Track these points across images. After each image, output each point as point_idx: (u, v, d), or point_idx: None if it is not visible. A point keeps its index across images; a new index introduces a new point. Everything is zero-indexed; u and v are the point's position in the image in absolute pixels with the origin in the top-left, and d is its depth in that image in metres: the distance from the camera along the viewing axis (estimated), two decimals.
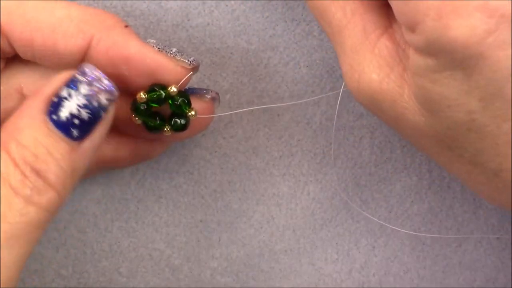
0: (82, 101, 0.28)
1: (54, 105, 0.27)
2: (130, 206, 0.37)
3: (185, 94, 0.31)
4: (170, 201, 0.37)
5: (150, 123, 0.31)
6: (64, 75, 0.28)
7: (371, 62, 0.27)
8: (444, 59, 0.25)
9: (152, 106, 0.31)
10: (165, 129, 0.32)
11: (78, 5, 0.31)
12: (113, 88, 0.28)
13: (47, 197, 0.27)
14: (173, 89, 0.30)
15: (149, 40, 0.31)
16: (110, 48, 0.30)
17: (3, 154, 0.27)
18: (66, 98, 0.27)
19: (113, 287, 0.37)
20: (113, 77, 0.30)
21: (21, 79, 0.32)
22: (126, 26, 0.31)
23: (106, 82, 0.28)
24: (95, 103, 0.28)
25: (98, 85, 0.28)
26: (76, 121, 0.27)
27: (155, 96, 0.31)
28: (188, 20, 0.35)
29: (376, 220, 0.37)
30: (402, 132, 0.29)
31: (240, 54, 0.36)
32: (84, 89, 0.28)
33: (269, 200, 0.37)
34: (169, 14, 0.35)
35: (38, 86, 0.31)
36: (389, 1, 0.26)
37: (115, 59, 0.30)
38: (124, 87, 0.30)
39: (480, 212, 0.38)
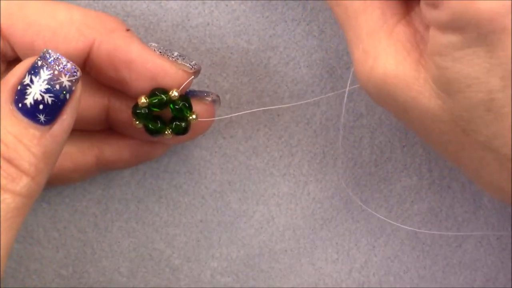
0: (44, 86, 0.27)
1: (19, 93, 0.27)
2: (130, 206, 0.37)
3: (186, 98, 0.31)
4: (170, 201, 0.37)
5: (151, 126, 0.31)
6: (26, 62, 0.28)
7: (388, 46, 0.27)
8: (469, 34, 0.24)
9: (153, 110, 0.31)
10: (166, 132, 0.32)
11: (79, 8, 0.31)
12: (74, 68, 0.28)
13: (22, 183, 0.27)
14: (174, 93, 0.30)
15: (151, 43, 0.31)
16: (112, 51, 0.30)
17: None
18: (28, 85, 0.27)
19: (113, 287, 0.37)
20: (115, 80, 0.30)
21: None
22: (128, 30, 0.31)
23: (65, 63, 0.28)
24: (57, 87, 0.27)
25: (58, 68, 0.28)
26: (41, 107, 0.27)
27: (156, 100, 0.31)
28: (188, 20, 0.35)
29: (379, 215, 0.37)
30: (411, 121, 0.28)
31: (240, 54, 0.36)
32: (44, 74, 0.28)
33: (269, 200, 0.37)
34: (169, 14, 0.35)
35: None
36: None
37: (117, 62, 0.30)
38: (125, 90, 0.30)
39: (480, 212, 0.38)
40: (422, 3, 0.26)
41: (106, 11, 0.35)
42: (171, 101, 0.31)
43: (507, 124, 0.25)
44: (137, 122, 0.31)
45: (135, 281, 0.37)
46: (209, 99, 0.33)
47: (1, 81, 0.28)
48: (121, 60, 0.30)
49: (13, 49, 0.30)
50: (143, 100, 0.30)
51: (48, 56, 0.28)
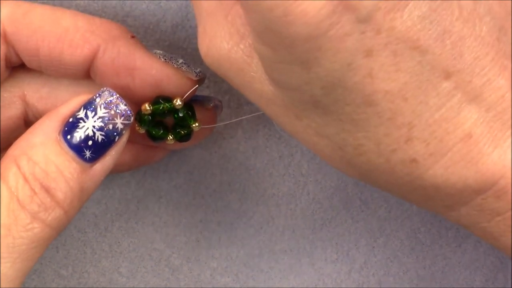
0: (98, 123, 0.28)
1: (70, 126, 0.28)
2: (130, 206, 0.37)
3: (190, 106, 0.31)
4: (170, 201, 0.37)
5: (153, 132, 0.31)
6: (83, 97, 0.28)
7: (223, 29, 0.27)
8: (279, 52, 0.24)
9: (156, 116, 0.31)
10: (169, 138, 0.32)
11: (84, 15, 0.31)
12: (129, 113, 0.28)
13: (54, 214, 0.27)
14: (178, 102, 0.31)
15: (156, 50, 0.31)
16: (116, 58, 0.30)
17: (14, 168, 0.27)
18: (82, 120, 0.28)
19: (113, 287, 0.37)
20: (119, 87, 0.30)
21: (24, 87, 0.32)
22: (133, 36, 0.31)
23: (123, 107, 0.28)
24: (110, 127, 0.28)
25: (115, 109, 0.28)
26: (90, 143, 0.28)
27: (160, 108, 0.31)
28: (188, 20, 0.35)
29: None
30: (250, 98, 0.28)
31: None
32: (101, 111, 0.28)
33: (268, 200, 0.37)
34: (169, 14, 0.35)
35: (42, 94, 0.32)
36: None
37: (121, 69, 0.30)
38: (129, 97, 0.30)
39: None
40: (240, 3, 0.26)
41: (105, 11, 0.35)
42: (174, 109, 0.31)
43: (336, 117, 0.26)
44: (140, 128, 0.31)
45: (135, 281, 0.37)
46: (211, 104, 0.33)
47: (53, 110, 0.28)
48: (125, 67, 0.30)
49: (17, 55, 0.31)
50: (147, 107, 0.30)
51: (106, 95, 0.28)
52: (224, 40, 0.27)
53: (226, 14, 0.27)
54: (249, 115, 0.36)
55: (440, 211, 0.28)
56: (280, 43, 0.24)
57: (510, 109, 0.25)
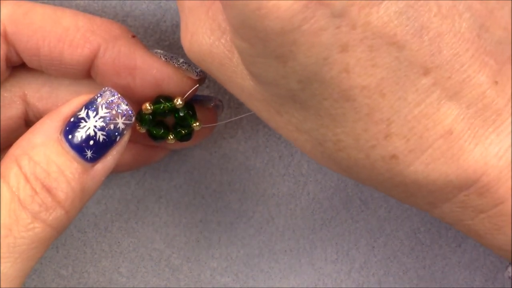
0: (99, 123, 0.28)
1: (71, 125, 0.28)
2: (130, 206, 0.37)
3: (191, 106, 0.31)
4: (170, 201, 0.37)
5: (154, 132, 0.31)
6: (84, 97, 0.28)
7: (205, 24, 0.27)
8: (256, 46, 0.24)
9: (156, 116, 0.31)
10: (169, 137, 0.32)
11: (85, 14, 0.31)
12: (131, 113, 0.28)
13: (55, 214, 0.27)
14: (179, 102, 0.31)
15: (156, 50, 0.31)
16: (116, 58, 0.30)
17: (15, 168, 0.27)
18: (84, 119, 0.28)
19: (113, 287, 0.37)
20: (119, 86, 0.30)
21: (25, 87, 0.32)
22: (133, 36, 0.31)
23: (124, 106, 0.28)
24: (112, 127, 0.28)
25: (116, 109, 0.28)
26: (91, 143, 0.28)
27: (160, 108, 0.31)
28: None
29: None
30: (233, 93, 0.28)
31: None
32: (102, 111, 0.28)
33: (268, 200, 0.37)
34: (169, 14, 0.35)
35: (42, 94, 0.32)
36: None
37: (121, 69, 0.30)
38: (130, 97, 0.30)
39: None
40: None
41: (106, 11, 0.35)
42: (175, 109, 0.31)
43: (314, 113, 0.26)
44: (141, 127, 0.31)
45: (135, 281, 0.37)
46: (212, 104, 0.33)
47: (55, 110, 0.28)
48: (126, 67, 0.30)
49: (18, 55, 0.31)
50: (147, 107, 0.30)
51: (108, 95, 0.28)
52: (205, 35, 0.27)
53: (207, 10, 0.27)
54: (249, 113, 0.36)
55: (423, 208, 0.28)
56: (255, 37, 0.24)
57: (491, 106, 0.25)
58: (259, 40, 0.24)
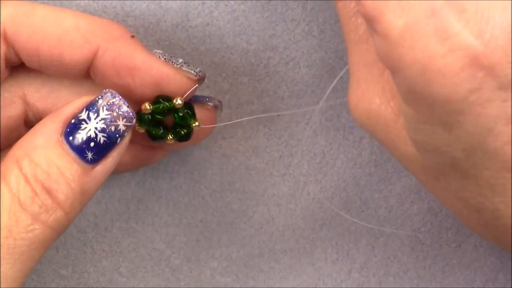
0: (100, 125, 0.28)
1: (72, 127, 0.28)
2: (130, 206, 0.37)
3: (190, 105, 0.31)
4: (170, 201, 0.37)
5: (153, 132, 0.31)
6: (85, 99, 0.28)
7: (378, 84, 0.27)
8: (422, 113, 0.24)
9: (156, 116, 0.31)
10: (168, 138, 0.32)
11: (85, 15, 0.31)
12: (131, 115, 0.28)
13: (55, 216, 0.27)
14: (178, 101, 0.31)
15: (155, 50, 0.31)
16: (116, 58, 0.30)
17: (15, 170, 0.27)
18: (84, 121, 0.28)
19: (113, 287, 0.37)
20: (119, 87, 0.30)
21: (25, 87, 0.32)
22: (133, 36, 0.31)
23: (125, 108, 0.28)
24: (112, 128, 0.28)
25: (117, 110, 0.28)
26: (92, 145, 0.28)
27: (160, 108, 0.31)
28: (188, 20, 0.35)
29: (363, 223, 0.37)
30: (392, 154, 0.29)
31: (240, 54, 0.36)
32: (103, 113, 0.28)
33: (269, 201, 0.37)
34: (169, 14, 0.35)
35: (42, 94, 0.32)
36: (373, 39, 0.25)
37: (121, 69, 0.30)
38: (129, 97, 0.30)
39: None
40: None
41: (106, 11, 0.35)
42: (174, 109, 0.31)
43: (474, 182, 0.25)
44: (140, 127, 0.31)
45: (135, 281, 0.37)
46: (211, 104, 0.33)
47: (55, 111, 0.28)
48: (125, 67, 0.30)
49: (17, 55, 0.31)
50: (147, 107, 0.31)
51: (109, 96, 0.28)
52: (376, 95, 0.27)
53: (382, 70, 0.27)
54: (250, 117, 0.36)
55: None
56: (422, 103, 0.24)
57: None
58: (425, 107, 0.24)
